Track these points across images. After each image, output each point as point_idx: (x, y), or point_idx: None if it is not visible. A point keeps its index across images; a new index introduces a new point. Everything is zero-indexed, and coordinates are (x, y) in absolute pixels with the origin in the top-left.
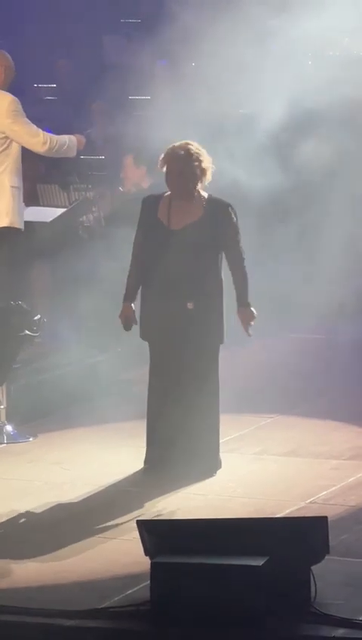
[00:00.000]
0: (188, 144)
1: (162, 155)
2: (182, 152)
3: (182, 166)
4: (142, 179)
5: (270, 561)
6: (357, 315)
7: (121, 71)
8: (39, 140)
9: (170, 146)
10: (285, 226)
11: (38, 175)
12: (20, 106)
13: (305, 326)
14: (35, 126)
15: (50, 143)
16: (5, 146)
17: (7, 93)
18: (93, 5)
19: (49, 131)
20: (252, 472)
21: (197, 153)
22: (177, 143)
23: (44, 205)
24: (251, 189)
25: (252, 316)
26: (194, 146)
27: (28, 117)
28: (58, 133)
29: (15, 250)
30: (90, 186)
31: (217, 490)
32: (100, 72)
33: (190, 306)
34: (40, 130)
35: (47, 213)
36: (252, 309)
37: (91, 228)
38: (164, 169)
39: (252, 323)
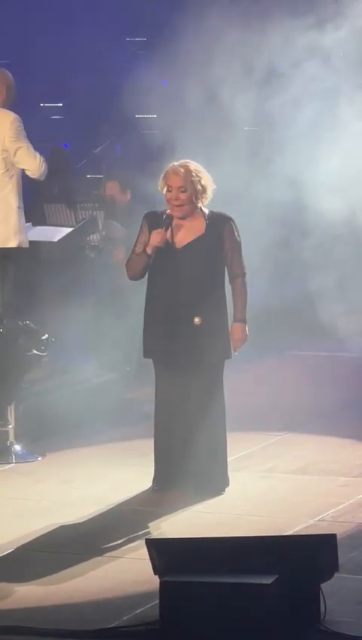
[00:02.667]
0: (187, 162)
1: (162, 175)
2: (182, 170)
3: (183, 183)
4: (126, 203)
5: (279, 579)
6: None
7: (126, 90)
8: (37, 163)
9: (170, 164)
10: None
11: (45, 194)
12: (22, 126)
13: (311, 343)
14: (32, 148)
15: (44, 167)
16: (10, 166)
17: (10, 111)
18: (98, 23)
19: (66, 147)
20: (260, 490)
21: (196, 170)
22: (176, 162)
23: (50, 225)
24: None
25: (244, 336)
26: (193, 165)
27: (35, 136)
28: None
29: (22, 270)
30: (96, 205)
31: (226, 509)
32: (106, 91)
33: (197, 320)
34: (37, 153)
35: (54, 233)
36: (246, 328)
37: (98, 247)
38: (165, 190)
39: (241, 345)
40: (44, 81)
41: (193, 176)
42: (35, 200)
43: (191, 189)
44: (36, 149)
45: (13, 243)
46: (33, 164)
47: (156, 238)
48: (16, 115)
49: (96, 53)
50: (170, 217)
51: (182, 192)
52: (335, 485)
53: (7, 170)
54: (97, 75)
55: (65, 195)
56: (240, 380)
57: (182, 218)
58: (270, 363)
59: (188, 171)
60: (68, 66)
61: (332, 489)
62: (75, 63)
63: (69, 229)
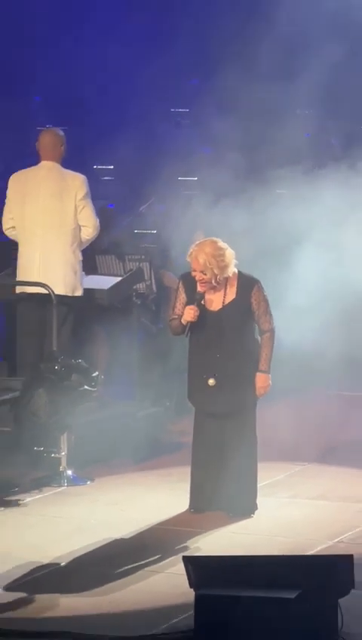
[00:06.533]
0: (207, 246)
1: (188, 252)
2: (203, 256)
3: (203, 268)
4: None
5: (302, 593)
6: None
7: (171, 154)
8: (95, 226)
9: (197, 242)
10: None
11: (97, 247)
12: (88, 187)
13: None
14: (95, 213)
15: (98, 229)
16: (77, 223)
17: (78, 173)
18: (147, 95)
19: (111, 206)
20: (285, 514)
21: (215, 255)
22: (202, 241)
23: (102, 274)
24: None
25: (267, 385)
26: (213, 247)
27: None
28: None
29: (77, 315)
30: (143, 257)
31: (254, 530)
32: (151, 155)
33: (211, 382)
34: (96, 220)
35: (105, 281)
36: (269, 377)
37: (144, 294)
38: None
39: (263, 392)
40: (97, 146)
41: (212, 261)
42: (88, 252)
43: (211, 273)
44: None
45: (79, 292)
46: (93, 224)
47: (189, 314)
48: (84, 177)
49: (145, 122)
50: (201, 294)
51: (204, 274)
52: (352, 510)
53: (77, 226)
54: (145, 141)
55: (114, 248)
56: (266, 415)
57: (212, 287)
58: (294, 399)
59: (207, 257)
60: (119, 132)
61: (349, 514)
62: (125, 129)
63: (118, 279)
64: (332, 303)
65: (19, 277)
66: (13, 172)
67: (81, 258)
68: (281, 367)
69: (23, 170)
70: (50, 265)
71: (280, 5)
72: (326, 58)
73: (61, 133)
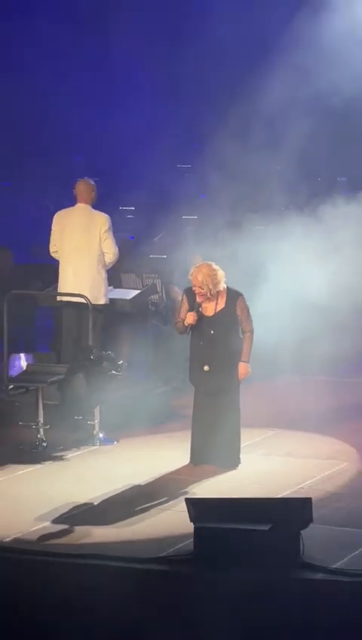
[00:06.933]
0: (204, 267)
1: (190, 271)
2: (200, 275)
3: (200, 284)
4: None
5: (273, 526)
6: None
7: (176, 199)
8: (115, 253)
9: (197, 264)
10: None
11: (121, 268)
12: (111, 223)
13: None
14: (114, 241)
15: (117, 255)
16: (101, 250)
17: (102, 213)
18: (159, 156)
19: (132, 238)
20: (261, 467)
21: (210, 275)
22: (199, 263)
23: (125, 288)
24: None
25: (247, 372)
26: (209, 269)
27: (116, 228)
28: (136, 241)
29: (107, 318)
30: (156, 275)
31: (238, 479)
32: (162, 200)
33: (206, 368)
34: (116, 248)
35: (127, 293)
36: (249, 366)
37: (156, 303)
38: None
39: (244, 377)
40: (122, 192)
41: (208, 279)
42: (114, 271)
43: (207, 288)
44: (115, 238)
45: (102, 301)
46: (113, 251)
47: (190, 318)
48: (108, 216)
49: (158, 175)
50: (199, 304)
51: (201, 289)
52: (311, 465)
53: (101, 252)
54: (157, 189)
55: (134, 268)
56: (250, 394)
57: (208, 299)
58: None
59: (204, 276)
60: (138, 182)
61: (308, 467)
62: (143, 180)
63: (137, 291)
64: (293, 310)
65: (59, 289)
66: (57, 211)
67: (105, 276)
68: (257, 358)
69: (63, 210)
70: (80, 281)
71: (265, 90)
72: (299, 130)
73: (92, 182)
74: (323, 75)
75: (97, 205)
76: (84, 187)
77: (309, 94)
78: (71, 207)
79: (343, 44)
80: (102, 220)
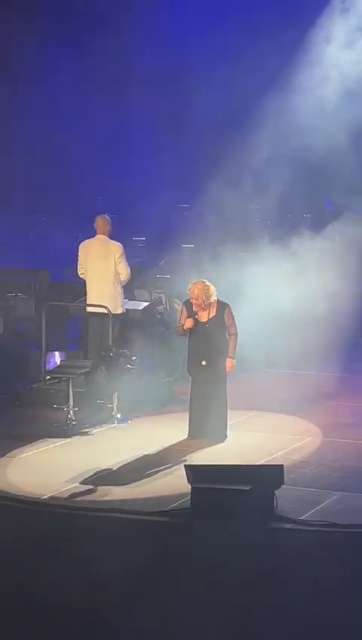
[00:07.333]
0: (199, 284)
1: (189, 287)
2: (197, 289)
3: (196, 297)
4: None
5: (253, 487)
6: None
7: (177, 231)
8: (127, 274)
9: (194, 281)
10: None
11: (135, 285)
12: (123, 250)
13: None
14: (127, 264)
15: (129, 276)
16: (116, 272)
17: (117, 242)
18: (163, 198)
19: (143, 262)
20: (244, 441)
21: (204, 290)
22: (195, 280)
23: (137, 300)
24: None
25: (232, 366)
26: (204, 285)
27: (130, 255)
28: (147, 268)
29: (123, 324)
30: (161, 291)
31: (225, 450)
32: (166, 232)
33: (204, 363)
34: (128, 269)
35: (140, 305)
36: (234, 361)
37: (162, 312)
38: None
39: (230, 370)
40: (134, 225)
41: (202, 293)
42: (129, 288)
43: (201, 299)
44: (129, 261)
45: (119, 311)
46: (126, 272)
47: (188, 324)
48: (121, 245)
49: (163, 212)
50: (195, 312)
51: (197, 300)
52: (284, 439)
53: (117, 273)
54: (163, 223)
55: (145, 285)
56: (235, 384)
57: (202, 308)
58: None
59: (199, 291)
60: (148, 218)
61: (281, 441)
62: (151, 216)
63: (147, 303)
64: (268, 318)
65: (86, 302)
66: (82, 241)
67: (121, 291)
68: (240, 355)
69: (86, 240)
70: (101, 295)
71: (252, 144)
72: (278, 178)
73: (108, 217)
74: (299, 137)
75: (115, 236)
76: (101, 222)
77: (288, 151)
78: (92, 238)
79: (314, 115)
80: (116, 247)
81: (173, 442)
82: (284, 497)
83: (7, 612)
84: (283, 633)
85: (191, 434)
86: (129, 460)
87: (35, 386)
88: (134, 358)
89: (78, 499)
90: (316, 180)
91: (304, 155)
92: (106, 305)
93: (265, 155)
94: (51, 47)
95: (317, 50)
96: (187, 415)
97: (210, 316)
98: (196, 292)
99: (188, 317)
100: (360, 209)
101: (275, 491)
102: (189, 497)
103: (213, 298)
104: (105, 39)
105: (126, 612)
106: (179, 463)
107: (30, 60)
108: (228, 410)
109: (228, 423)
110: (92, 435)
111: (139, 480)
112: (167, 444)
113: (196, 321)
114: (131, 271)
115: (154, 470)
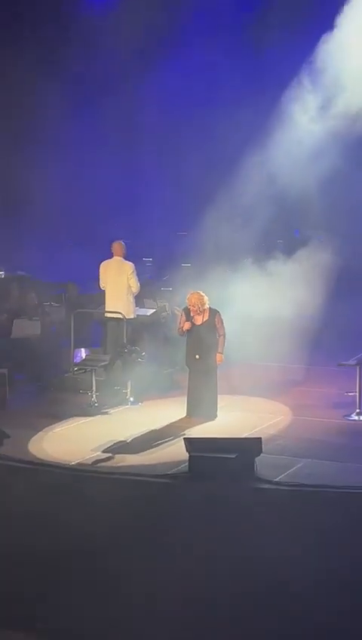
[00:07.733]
0: (195, 294)
1: (187, 296)
2: (194, 298)
3: (193, 305)
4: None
5: (237, 456)
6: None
7: (178, 254)
8: (137, 287)
9: (191, 292)
10: None
11: (144, 295)
12: (134, 268)
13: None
14: (137, 279)
15: (139, 288)
16: (129, 285)
17: (129, 262)
18: (165, 230)
19: (151, 277)
20: (229, 419)
21: (200, 299)
22: (193, 292)
23: (146, 307)
24: None
25: (221, 359)
26: (200, 295)
27: (139, 273)
28: (154, 282)
29: (135, 326)
30: (165, 299)
31: (216, 426)
32: (169, 254)
33: (197, 357)
34: (138, 284)
35: (147, 311)
36: (222, 355)
37: (166, 318)
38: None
39: (220, 363)
40: (145, 250)
41: (198, 302)
42: (139, 298)
43: (197, 307)
44: (139, 277)
45: (132, 316)
46: (136, 286)
47: (187, 326)
48: (133, 264)
49: (165, 240)
50: (192, 317)
51: (194, 307)
52: (262, 417)
53: (129, 286)
54: (165, 249)
55: (151, 295)
56: (225, 374)
57: (197, 314)
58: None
59: (196, 300)
60: (154, 244)
61: (261, 419)
62: (156, 244)
63: (154, 310)
64: (249, 322)
65: (105, 309)
66: (102, 261)
67: (132, 300)
68: (228, 351)
69: (105, 261)
70: (117, 304)
71: (244, 181)
72: (263, 215)
73: (123, 243)
74: (282, 176)
75: (128, 257)
76: (117, 246)
77: (272, 189)
78: (110, 259)
79: (294, 157)
80: (128, 266)
81: (174, 420)
82: (262, 463)
83: (38, 547)
84: (265, 572)
85: (189, 413)
86: (139, 434)
87: (65, 375)
88: (143, 353)
89: (99, 464)
90: (289, 215)
91: (281, 197)
92: (121, 311)
93: (250, 195)
94: (71, 109)
95: (290, 117)
96: (185, 398)
97: (204, 320)
98: (193, 301)
99: (186, 321)
100: (322, 239)
101: (255, 459)
102: (187, 464)
103: (207, 306)
104: (115, 100)
105: (128, 551)
106: (179, 437)
107: (54, 120)
108: (218, 395)
109: (218, 405)
110: (110, 414)
111: (147, 450)
112: (169, 421)
113: (192, 324)
114: (141, 285)
115: (159, 442)
